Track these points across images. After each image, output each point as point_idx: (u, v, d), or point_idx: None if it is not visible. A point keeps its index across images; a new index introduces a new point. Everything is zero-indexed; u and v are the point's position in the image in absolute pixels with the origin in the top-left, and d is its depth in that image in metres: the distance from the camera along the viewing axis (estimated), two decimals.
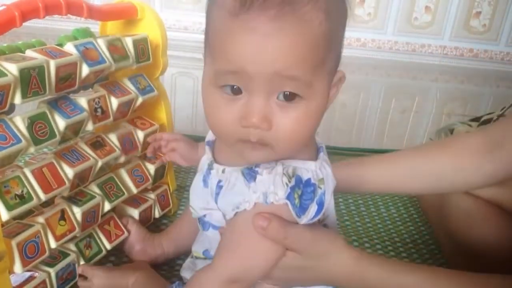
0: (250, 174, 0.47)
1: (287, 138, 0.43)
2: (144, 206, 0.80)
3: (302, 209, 0.47)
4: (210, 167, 0.53)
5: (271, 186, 0.45)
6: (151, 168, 0.81)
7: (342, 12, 0.44)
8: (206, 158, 0.55)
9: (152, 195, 0.83)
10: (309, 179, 0.47)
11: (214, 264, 0.51)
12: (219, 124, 0.45)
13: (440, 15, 2.60)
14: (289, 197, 0.46)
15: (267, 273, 0.50)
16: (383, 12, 2.60)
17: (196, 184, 0.56)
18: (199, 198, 0.55)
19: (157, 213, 0.84)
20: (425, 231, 0.93)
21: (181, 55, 2.29)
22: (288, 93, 0.41)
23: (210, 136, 0.57)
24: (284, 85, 0.41)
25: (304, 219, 0.48)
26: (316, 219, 0.50)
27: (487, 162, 0.66)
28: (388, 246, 0.87)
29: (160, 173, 0.83)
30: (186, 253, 0.66)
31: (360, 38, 2.63)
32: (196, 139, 0.68)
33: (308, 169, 0.48)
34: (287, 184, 0.46)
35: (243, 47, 0.40)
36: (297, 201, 0.46)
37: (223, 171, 0.51)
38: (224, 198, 0.50)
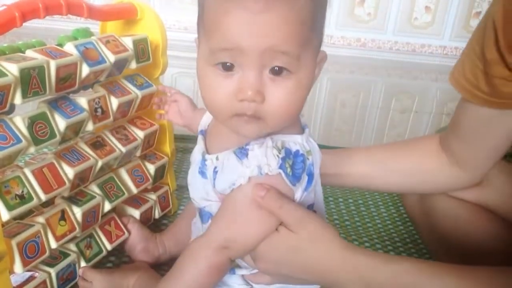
0: (241, 152, 0.50)
1: (279, 110, 0.46)
2: (145, 207, 0.80)
3: (295, 177, 0.50)
4: (204, 158, 0.55)
5: (263, 158, 0.48)
6: (151, 168, 0.81)
7: None
8: (198, 148, 0.57)
9: (153, 196, 0.83)
10: (297, 151, 0.50)
11: (207, 231, 0.53)
12: (215, 100, 0.47)
13: (440, 15, 2.60)
14: (281, 167, 0.48)
15: (257, 243, 0.52)
16: (383, 12, 2.60)
17: (194, 176, 0.58)
18: (199, 190, 0.57)
19: (157, 214, 0.84)
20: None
21: (181, 55, 2.29)
22: (277, 67, 0.44)
23: (202, 126, 0.59)
24: (275, 60, 0.44)
25: (299, 188, 0.51)
26: (309, 189, 0.52)
27: (446, 164, 0.69)
28: (388, 246, 0.87)
29: (160, 173, 0.84)
30: None
31: (360, 38, 2.63)
32: (196, 139, 0.68)
33: (296, 141, 0.51)
34: (277, 156, 0.48)
35: (237, 24, 0.42)
36: (289, 170, 0.49)
37: (217, 158, 0.53)
38: (220, 179, 0.52)
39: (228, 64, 0.45)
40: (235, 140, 0.51)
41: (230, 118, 0.47)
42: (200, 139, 0.58)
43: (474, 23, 2.61)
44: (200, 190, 0.57)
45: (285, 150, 0.49)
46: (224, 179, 0.52)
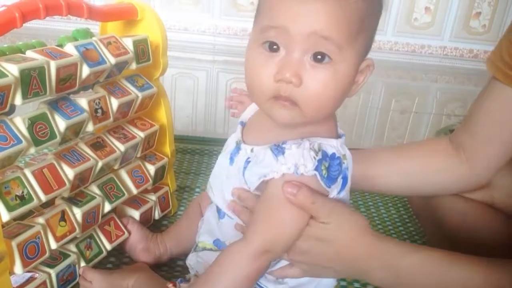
0: (278, 149, 0.51)
1: (314, 97, 0.47)
2: (144, 208, 0.80)
3: (330, 179, 0.51)
4: (238, 146, 0.56)
5: (300, 158, 0.49)
6: (151, 168, 0.81)
7: (379, 1, 0.49)
8: (234, 136, 0.59)
9: (153, 197, 0.83)
10: (334, 153, 0.51)
11: (246, 236, 0.52)
12: (256, 79, 0.49)
13: (440, 16, 2.60)
14: (317, 168, 0.49)
15: (295, 240, 0.53)
16: (383, 13, 2.59)
17: (221, 162, 0.59)
18: (221, 179, 0.58)
19: (157, 215, 0.84)
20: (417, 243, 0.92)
21: (181, 56, 2.29)
22: (319, 55, 0.46)
23: (243, 117, 0.61)
24: (319, 45, 0.45)
25: (335, 190, 0.52)
26: (343, 192, 0.53)
27: (456, 164, 0.69)
28: None
29: (160, 173, 0.84)
30: (188, 252, 0.66)
31: None
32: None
33: (332, 145, 0.51)
34: (314, 158, 0.49)
35: (286, 7, 0.45)
36: (324, 172, 0.50)
37: (251, 150, 0.54)
38: (251, 170, 0.53)
39: (274, 44, 0.47)
40: (273, 136, 0.52)
41: (266, 101, 0.49)
42: (238, 128, 0.59)
43: (474, 23, 2.62)
44: (221, 178, 0.57)
45: (322, 152, 0.50)
46: (255, 171, 0.52)
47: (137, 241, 0.75)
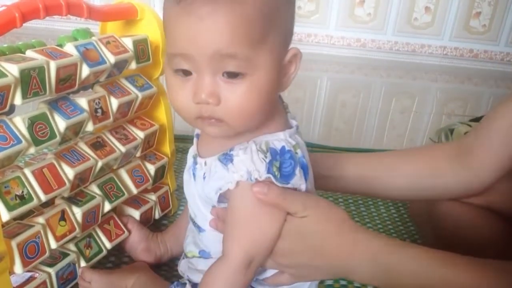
0: (226, 158, 0.50)
1: (236, 112, 0.46)
2: (145, 208, 0.80)
3: (285, 177, 0.50)
4: (195, 160, 0.56)
5: (251, 164, 0.48)
6: (151, 168, 0.81)
7: None
8: (191, 150, 0.58)
9: (153, 197, 0.83)
10: (283, 147, 0.50)
11: (224, 252, 0.52)
12: (177, 103, 0.49)
13: (440, 16, 2.60)
14: (269, 171, 0.48)
15: (275, 242, 0.52)
16: (383, 13, 2.60)
17: (186, 180, 0.59)
18: (191, 193, 0.57)
19: (157, 214, 0.84)
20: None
21: None
22: (230, 71, 0.45)
23: (198, 129, 0.60)
24: (226, 64, 0.44)
25: (298, 182, 0.51)
26: (307, 184, 0.52)
27: (461, 169, 0.68)
28: None
29: (160, 173, 0.84)
30: None
31: (360, 38, 2.63)
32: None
33: (279, 138, 0.50)
34: (264, 159, 0.48)
35: (182, 31, 0.44)
36: (277, 172, 0.49)
37: (205, 164, 0.54)
38: (208, 185, 0.53)
39: (185, 69, 0.46)
40: (221, 144, 0.51)
41: (194, 120, 0.49)
42: (194, 141, 0.59)
43: (474, 23, 2.61)
44: (193, 193, 0.57)
45: (270, 151, 0.49)
46: (211, 185, 0.52)
47: (138, 241, 0.75)
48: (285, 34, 0.48)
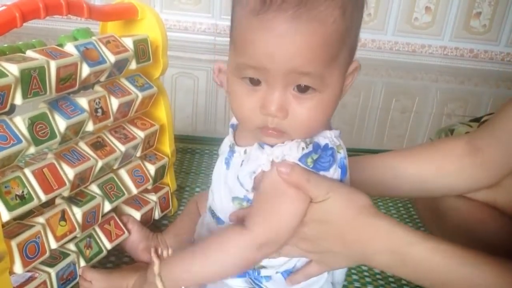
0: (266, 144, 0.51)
1: (302, 126, 0.48)
2: (145, 208, 0.80)
3: (316, 169, 0.50)
4: (232, 149, 0.56)
5: (288, 149, 0.49)
6: (151, 168, 0.81)
7: (359, 6, 0.47)
8: (227, 140, 0.58)
9: (153, 197, 0.83)
10: (326, 144, 0.51)
11: (248, 225, 0.51)
12: (241, 111, 0.49)
13: (441, 16, 2.60)
14: (301, 159, 0.49)
15: (294, 229, 0.51)
16: (383, 13, 2.60)
17: (219, 168, 0.59)
18: (221, 184, 0.57)
19: (157, 215, 0.84)
20: (425, 232, 0.92)
21: (181, 56, 2.29)
22: (303, 85, 0.45)
23: (234, 120, 0.60)
24: (299, 79, 0.45)
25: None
26: (344, 181, 0.53)
27: (469, 167, 0.68)
28: None
29: (160, 173, 0.83)
30: None
31: (360, 38, 2.61)
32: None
33: (325, 136, 0.51)
34: (303, 149, 0.49)
35: (262, 45, 0.44)
36: (310, 164, 0.50)
37: (245, 152, 0.54)
38: (243, 170, 0.53)
39: (255, 79, 0.46)
40: None
41: (255, 129, 0.49)
42: (230, 132, 0.59)
43: (475, 23, 2.61)
44: (220, 182, 0.57)
45: (313, 145, 0.50)
46: (246, 170, 0.52)
47: (138, 241, 0.75)
48: (353, 47, 0.49)
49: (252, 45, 0.44)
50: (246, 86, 0.47)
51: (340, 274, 0.61)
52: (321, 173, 0.50)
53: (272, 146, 0.50)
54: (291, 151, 0.49)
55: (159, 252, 0.58)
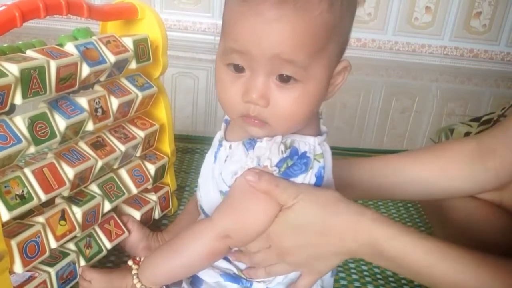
0: (250, 143, 0.52)
1: (282, 116, 0.47)
2: (146, 208, 0.80)
3: (285, 175, 0.50)
4: (220, 143, 0.57)
5: (267, 151, 0.50)
6: (151, 168, 0.81)
7: (349, 2, 0.46)
8: (218, 134, 0.59)
9: (154, 197, 0.83)
10: (305, 152, 0.51)
11: (213, 216, 0.54)
12: (224, 98, 0.50)
13: (441, 16, 2.60)
14: (278, 164, 0.50)
15: (258, 231, 0.52)
16: (383, 12, 2.60)
17: (207, 161, 0.59)
18: (209, 178, 0.58)
19: (157, 214, 0.84)
20: (425, 232, 0.93)
21: (181, 55, 2.29)
22: (285, 75, 0.45)
23: (227, 116, 0.60)
24: (283, 68, 0.45)
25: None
26: None
27: (480, 170, 0.67)
28: None
29: (160, 173, 0.83)
30: None
31: (360, 38, 2.63)
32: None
33: (306, 142, 0.51)
34: (282, 152, 0.50)
35: (248, 30, 0.44)
36: (283, 168, 0.50)
37: (230, 147, 0.55)
38: (226, 168, 0.53)
39: (239, 65, 0.47)
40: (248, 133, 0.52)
41: (237, 117, 0.50)
42: (222, 126, 0.60)
43: (475, 23, 2.61)
44: (207, 174, 0.58)
45: (291, 149, 0.50)
46: (229, 168, 0.53)
47: (139, 240, 0.75)
48: (342, 45, 0.49)
49: (239, 29, 0.45)
50: (231, 73, 0.48)
51: (329, 279, 0.61)
52: (291, 179, 0.51)
53: (255, 142, 0.51)
54: (272, 153, 0.49)
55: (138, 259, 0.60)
